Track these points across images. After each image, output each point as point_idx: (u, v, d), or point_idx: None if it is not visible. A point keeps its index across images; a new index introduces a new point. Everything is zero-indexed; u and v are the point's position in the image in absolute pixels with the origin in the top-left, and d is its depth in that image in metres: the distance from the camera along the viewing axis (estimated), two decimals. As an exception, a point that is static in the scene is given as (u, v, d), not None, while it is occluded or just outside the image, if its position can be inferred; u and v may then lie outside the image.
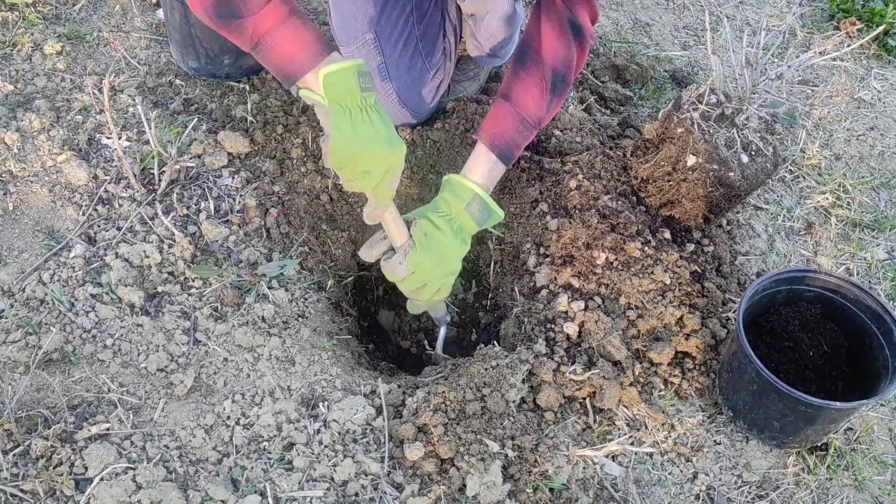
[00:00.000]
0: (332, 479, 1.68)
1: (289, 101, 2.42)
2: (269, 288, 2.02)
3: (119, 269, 1.93)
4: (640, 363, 2.00)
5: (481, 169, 1.92)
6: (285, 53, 1.62)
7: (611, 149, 2.41)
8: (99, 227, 2.04)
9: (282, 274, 2.07)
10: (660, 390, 1.98)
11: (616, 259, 2.10)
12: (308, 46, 1.62)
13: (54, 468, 1.60)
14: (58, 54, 2.42)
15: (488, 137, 1.91)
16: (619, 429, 1.91)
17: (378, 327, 2.49)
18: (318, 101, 1.62)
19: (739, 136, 2.12)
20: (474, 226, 1.90)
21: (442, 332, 2.24)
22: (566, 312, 2.03)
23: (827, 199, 2.54)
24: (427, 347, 2.36)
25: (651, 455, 1.89)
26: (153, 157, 2.13)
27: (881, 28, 3.04)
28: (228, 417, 1.75)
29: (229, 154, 2.27)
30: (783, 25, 3.06)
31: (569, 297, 2.05)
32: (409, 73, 2.21)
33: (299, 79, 1.63)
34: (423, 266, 1.86)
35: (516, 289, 2.21)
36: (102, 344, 1.83)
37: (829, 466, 1.92)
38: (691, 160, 2.10)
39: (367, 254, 1.91)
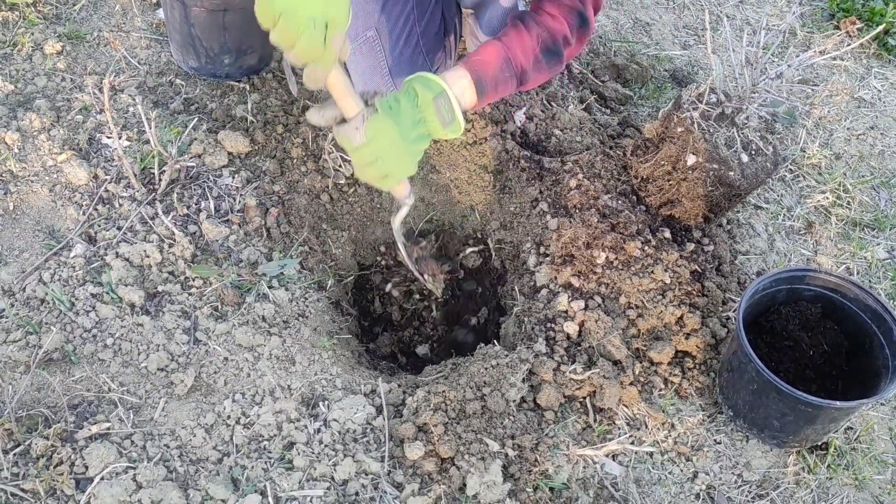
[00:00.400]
0: (333, 478, 1.68)
1: (289, 100, 2.42)
2: (270, 287, 2.02)
3: (119, 268, 1.93)
4: (641, 362, 2.00)
5: (455, 80, 1.79)
6: None
7: (611, 148, 2.41)
8: (99, 226, 2.04)
9: (282, 273, 2.07)
10: (660, 390, 1.98)
11: (616, 258, 2.10)
12: None
13: (55, 467, 1.61)
14: (58, 54, 2.42)
15: (469, 62, 1.83)
16: (619, 428, 1.91)
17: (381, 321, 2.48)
18: None
19: (739, 136, 2.12)
20: (438, 125, 1.75)
21: (402, 211, 2.04)
22: (566, 312, 2.03)
23: (827, 198, 2.54)
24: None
25: (651, 454, 1.89)
26: (153, 157, 2.13)
27: (881, 27, 3.04)
28: (229, 417, 1.75)
29: (229, 154, 2.27)
30: (783, 25, 3.07)
31: (569, 297, 2.06)
32: (411, 71, 2.20)
33: None
34: (382, 135, 1.69)
35: (516, 288, 2.21)
36: (103, 343, 1.83)
37: (829, 466, 1.92)
38: (691, 159, 2.10)
39: (317, 116, 1.72)
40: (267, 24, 1.48)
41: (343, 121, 1.71)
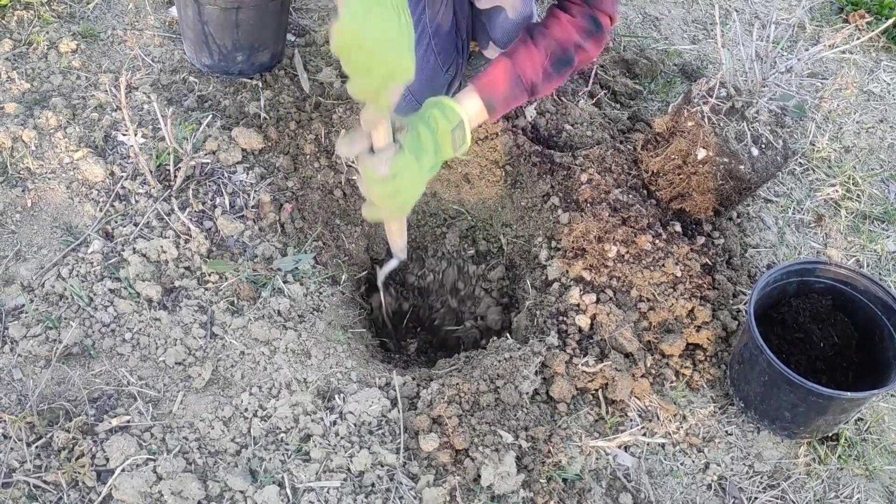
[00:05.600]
0: (349, 469, 1.70)
1: (301, 97, 2.44)
2: (285, 282, 2.05)
3: (136, 264, 1.96)
4: (652, 355, 2.02)
5: (468, 105, 1.86)
6: None
7: (621, 143, 2.42)
8: (116, 222, 2.06)
9: (296, 268, 2.09)
10: (671, 382, 2.00)
11: (627, 252, 2.12)
12: None
13: (76, 460, 1.63)
14: (73, 52, 2.44)
15: (479, 84, 1.89)
16: (631, 420, 1.93)
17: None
18: None
19: (749, 130, 2.13)
20: (451, 150, 1.83)
21: (391, 263, 2.17)
22: (578, 305, 2.05)
23: (837, 191, 2.55)
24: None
25: (663, 446, 1.90)
26: (169, 154, 2.15)
27: (890, 21, 3.04)
28: (246, 410, 1.78)
29: (243, 150, 2.29)
30: (792, 18, 3.07)
31: (581, 290, 2.07)
32: (422, 71, 2.22)
33: None
34: (406, 172, 1.75)
35: (528, 282, 2.23)
36: (121, 338, 1.86)
37: (839, 456, 1.93)
38: (702, 153, 2.11)
39: (347, 149, 1.75)
40: (336, 52, 1.46)
41: (371, 151, 1.73)
